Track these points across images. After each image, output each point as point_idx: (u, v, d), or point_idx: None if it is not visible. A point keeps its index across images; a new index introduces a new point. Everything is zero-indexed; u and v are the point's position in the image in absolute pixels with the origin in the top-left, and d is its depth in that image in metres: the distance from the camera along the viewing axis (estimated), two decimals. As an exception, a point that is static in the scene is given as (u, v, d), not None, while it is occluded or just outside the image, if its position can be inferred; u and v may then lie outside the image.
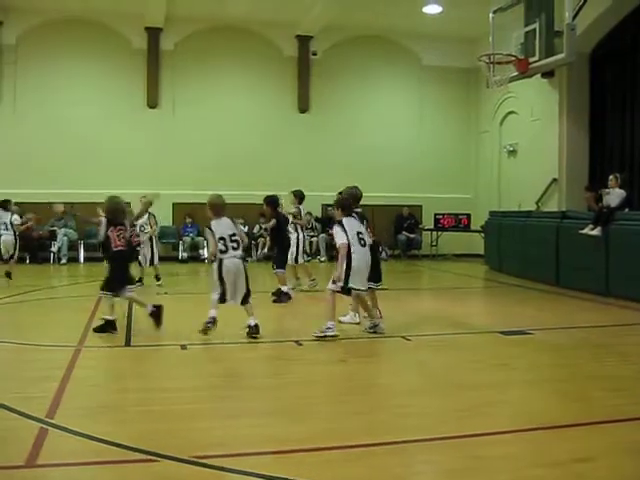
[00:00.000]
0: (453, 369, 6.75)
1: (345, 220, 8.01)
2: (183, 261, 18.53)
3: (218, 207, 7.91)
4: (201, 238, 18.88)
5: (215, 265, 7.76)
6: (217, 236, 7.71)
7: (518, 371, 6.63)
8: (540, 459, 4.15)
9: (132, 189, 17.25)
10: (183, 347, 7.39)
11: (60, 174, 18.03)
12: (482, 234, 18.13)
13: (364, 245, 7.98)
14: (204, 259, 18.60)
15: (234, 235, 7.83)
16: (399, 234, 19.89)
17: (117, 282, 8.25)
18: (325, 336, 7.69)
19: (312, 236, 19.23)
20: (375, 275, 8.61)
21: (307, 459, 4.19)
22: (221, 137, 19.36)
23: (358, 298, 8.26)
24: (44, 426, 4.70)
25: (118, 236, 8.23)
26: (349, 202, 8.27)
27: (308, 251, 18.59)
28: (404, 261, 19.15)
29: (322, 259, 19.04)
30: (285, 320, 9.86)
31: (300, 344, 7.56)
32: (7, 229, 12.91)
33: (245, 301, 7.83)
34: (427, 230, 20.25)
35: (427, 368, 6.79)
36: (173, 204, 19.16)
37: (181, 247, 18.84)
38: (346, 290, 7.93)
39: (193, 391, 5.71)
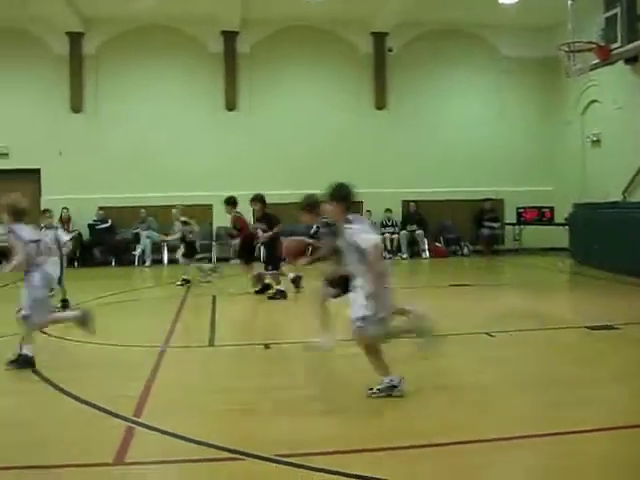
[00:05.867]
0: (538, 365, 6.60)
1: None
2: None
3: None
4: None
5: None
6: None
7: (606, 367, 6.43)
8: (631, 459, 4.03)
9: (214, 191, 17.53)
10: (267, 346, 7.44)
11: (142, 177, 18.42)
12: (566, 227, 17.69)
13: None
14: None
15: None
16: (481, 229, 19.58)
17: None
18: None
19: (392, 233, 19.17)
20: None
21: (385, 457, 4.17)
22: (299, 137, 19.39)
23: None
24: (132, 425, 4.81)
25: None
26: None
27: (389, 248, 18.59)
28: (486, 256, 18.84)
29: (404, 256, 18.95)
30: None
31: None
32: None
33: None
34: (509, 224, 19.92)
35: (511, 365, 6.66)
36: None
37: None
38: None
39: (276, 390, 5.72)
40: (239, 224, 12.21)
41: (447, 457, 4.17)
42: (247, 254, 12.22)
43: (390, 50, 20.17)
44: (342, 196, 5.57)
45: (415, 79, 20.25)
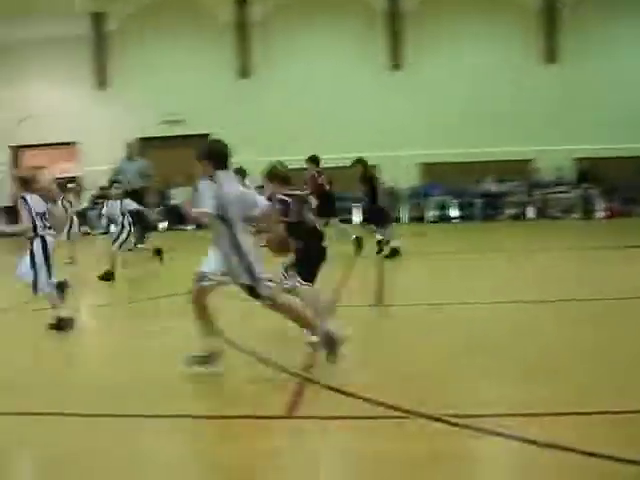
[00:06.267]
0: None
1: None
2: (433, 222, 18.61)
3: None
4: (448, 197, 18.74)
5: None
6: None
7: None
8: None
9: (374, 152, 17.53)
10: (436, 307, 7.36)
11: (308, 139, 18.56)
12: None
13: None
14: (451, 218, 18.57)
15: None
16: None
17: None
18: None
19: (564, 192, 18.51)
20: None
21: (558, 422, 4.06)
22: (464, 94, 19.06)
23: None
24: (302, 380, 4.96)
25: None
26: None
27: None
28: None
29: (576, 216, 18.25)
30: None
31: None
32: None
33: None
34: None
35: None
36: (417, 164, 19.14)
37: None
38: None
39: (443, 351, 5.67)
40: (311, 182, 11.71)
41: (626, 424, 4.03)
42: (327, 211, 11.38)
43: (561, 5, 19.29)
44: (209, 154, 5.11)
45: (589, 31, 19.24)
